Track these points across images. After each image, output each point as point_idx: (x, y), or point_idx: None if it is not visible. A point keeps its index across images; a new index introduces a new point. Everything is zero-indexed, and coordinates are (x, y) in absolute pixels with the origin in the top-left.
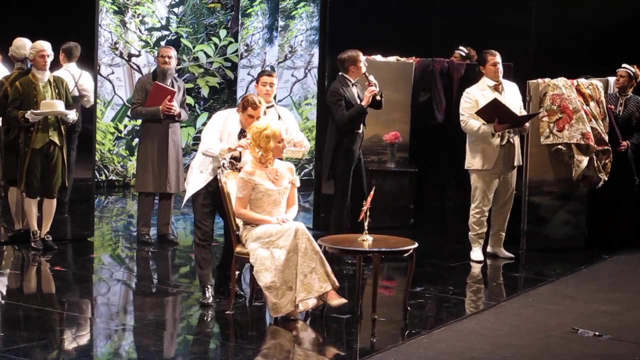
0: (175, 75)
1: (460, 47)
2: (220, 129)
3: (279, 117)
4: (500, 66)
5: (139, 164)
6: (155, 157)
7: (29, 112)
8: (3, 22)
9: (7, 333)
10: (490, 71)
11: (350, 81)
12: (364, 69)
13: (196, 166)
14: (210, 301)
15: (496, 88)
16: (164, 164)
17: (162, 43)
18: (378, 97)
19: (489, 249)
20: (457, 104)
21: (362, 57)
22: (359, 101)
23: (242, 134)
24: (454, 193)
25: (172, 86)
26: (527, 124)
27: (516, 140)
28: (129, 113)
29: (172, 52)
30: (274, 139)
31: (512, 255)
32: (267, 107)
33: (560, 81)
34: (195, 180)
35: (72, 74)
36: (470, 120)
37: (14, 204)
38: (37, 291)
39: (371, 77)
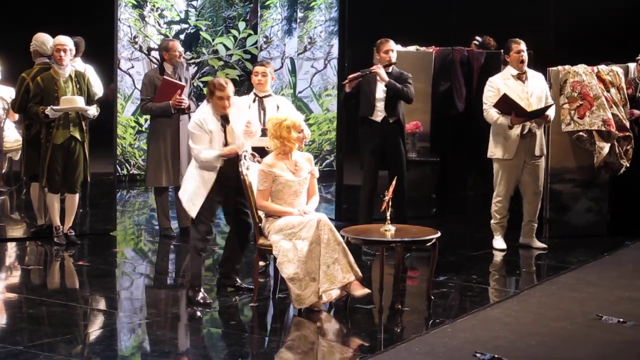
0: (183, 66)
1: (476, 37)
2: (202, 133)
3: (277, 107)
4: (524, 55)
5: (151, 159)
6: (168, 151)
7: (48, 108)
8: (22, 17)
9: (31, 328)
10: (514, 60)
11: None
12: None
13: (193, 174)
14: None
15: (519, 77)
16: (176, 157)
17: (182, 36)
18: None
19: (521, 239)
20: (477, 93)
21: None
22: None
23: (224, 121)
24: (475, 182)
25: (179, 78)
26: (549, 115)
27: (538, 130)
28: (139, 109)
29: (179, 44)
30: (294, 129)
31: (545, 246)
32: (264, 97)
33: (581, 68)
34: (199, 190)
35: (77, 68)
36: (491, 110)
37: (37, 200)
38: (61, 286)
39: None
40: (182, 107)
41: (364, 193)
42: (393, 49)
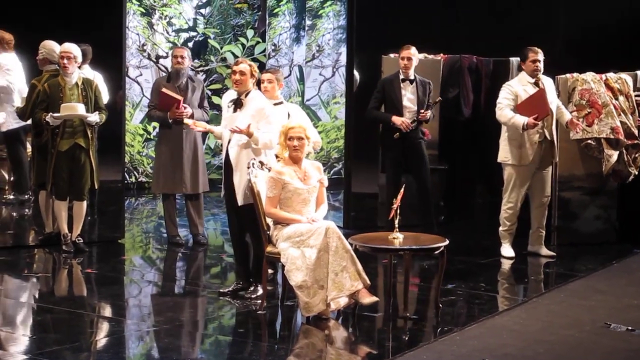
0: (192, 74)
1: None
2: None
3: (289, 115)
4: (540, 65)
5: (155, 165)
6: (171, 158)
7: (49, 115)
8: (30, 24)
9: (39, 336)
10: (529, 68)
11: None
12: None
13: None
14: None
15: (536, 84)
16: (178, 165)
17: (190, 44)
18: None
19: (529, 247)
20: (486, 100)
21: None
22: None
23: (236, 105)
24: (483, 189)
25: (187, 86)
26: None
27: (555, 135)
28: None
29: (186, 52)
30: (283, 134)
31: (553, 254)
32: (275, 104)
33: (589, 76)
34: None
35: (85, 75)
36: (506, 108)
37: (45, 207)
38: (69, 294)
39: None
40: (180, 118)
41: (386, 197)
42: (409, 56)
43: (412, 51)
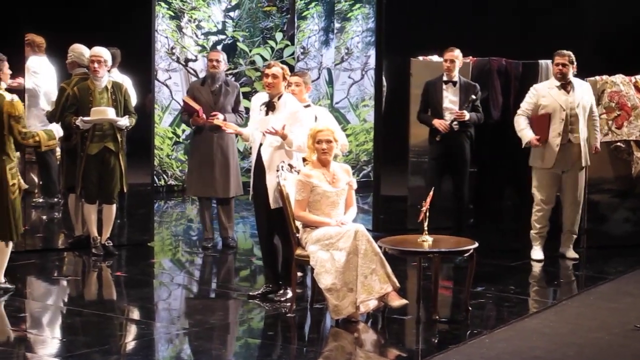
0: (228, 78)
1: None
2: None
3: (316, 118)
4: (563, 69)
5: (188, 168)
6: (201, 161)
7: (79, 119)
8: (60, 28)
9: (68, 339)
10: (554, 71)
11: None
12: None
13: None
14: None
15: (564, 87)
16: (208, 168)
17: (219, 47)
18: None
19: (560, 249)
20: (515, 103)
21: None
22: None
23: (268, 107)
24: (512, 192)
25: (220, 90)
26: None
27: (581, 140)
28: None
29: (221, 56)
30: (311, 137)
31: (576, 256)
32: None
33: (618, 78)
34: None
35: (115, 79)
36: (522, 117)
37: (74, 211)
38: (98, 297)
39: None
40: (201, 125)
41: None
42: (452, 58)
43: (456, 53)
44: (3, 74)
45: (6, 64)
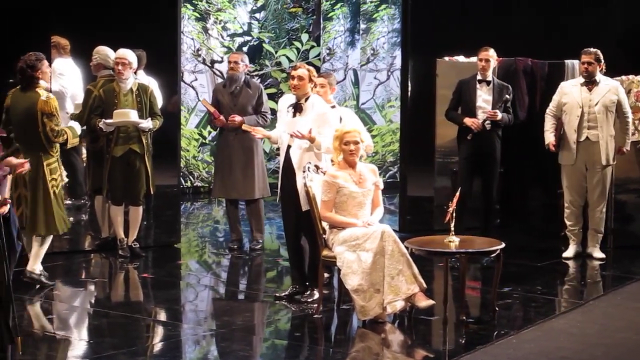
0: (250, 79)
1: None
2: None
3: (340, 118)
4: (587, 67)
5: (215, 171)
6: (223, 163)
7: (102, 121)
8: (85, 30)
9: (95, 340)
10: (580, 69)
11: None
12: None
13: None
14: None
15: (587, 85)
16: (230, 170)
17: (244, 49)
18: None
19: (587, 249)
20: (541, 103)
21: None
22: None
23: (296, 107)
24: (539, 192)
25: (241, 91)
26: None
27: (601, 138)
28: None
29: (240, 57)
30: (338, 139)
31: (603, 256)
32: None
33: None
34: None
35: (141, 81)
36: (547, 117)
37: (101, 212)
38: (125, 298)
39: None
40: (224, 126)
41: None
42: (486, 57)
43: (490, 53)
44: (42, 73)
45: (45, 63)
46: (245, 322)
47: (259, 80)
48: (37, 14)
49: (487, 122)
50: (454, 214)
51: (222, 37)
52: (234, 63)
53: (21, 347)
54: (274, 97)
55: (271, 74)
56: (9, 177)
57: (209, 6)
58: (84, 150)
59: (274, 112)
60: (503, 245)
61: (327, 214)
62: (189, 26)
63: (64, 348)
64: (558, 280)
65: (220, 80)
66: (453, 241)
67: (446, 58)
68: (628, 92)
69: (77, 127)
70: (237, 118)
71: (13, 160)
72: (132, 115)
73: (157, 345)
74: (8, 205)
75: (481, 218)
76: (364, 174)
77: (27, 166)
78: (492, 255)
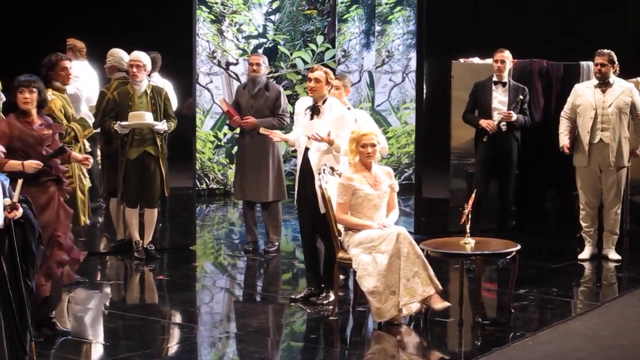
0: (270, 81)
1: None
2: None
3: (355, 120)
4: (601, 68)
5: (235, 173)
6: (240, 165)
7: (117, 123)
8: (100, 33)
9: (111, 343)
10: (594, 70)
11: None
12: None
13: None
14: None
15: (601, 86)
16: (246, 171)
17: (260, 51)
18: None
19: (603, 250)
20: (556, 104)
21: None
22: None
23: (313, 111)
24: (554, 194)
25: (260, 93)
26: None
27: (613, 139)
28: None
29: (261, 59)
30: (355, 141)
31: (619, 258)
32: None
33: None
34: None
35: (155, 84)
36: (562, 119)
37: (115, 215)
38: (141, 301)
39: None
40: (241, 127)
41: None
42: (502, 58)
43: (506, 54)
44: (56, 74)
45: (64, 64)
46: (260, 324)
47: (272, 82)
48: (53, 16)
49: (503, 123)
50: (470, 216)
51: (237, 40)
52: (255, 65)
53: (35, 353)
54: (289, 99)
55: (286, 76)
56: (20, 182)
57: (224, 8)
58: (98, 153)
59: (290, 114)
60: (519, 247)
61: (343, 216)
62: (204, 28)
63: (79, 350)
64: (574, 281)
65: (235, 82)
66: (469, 243)
67: (461, 60)
68: None
69: (87, 116)
70: (251, 119)
71: (78, 156)
72: (148, 118)
73: (173, 347)
74: (20, 210)
75: (497, 220)
76: (379, 176)
77: (91, 160)
78: (508, 257)
